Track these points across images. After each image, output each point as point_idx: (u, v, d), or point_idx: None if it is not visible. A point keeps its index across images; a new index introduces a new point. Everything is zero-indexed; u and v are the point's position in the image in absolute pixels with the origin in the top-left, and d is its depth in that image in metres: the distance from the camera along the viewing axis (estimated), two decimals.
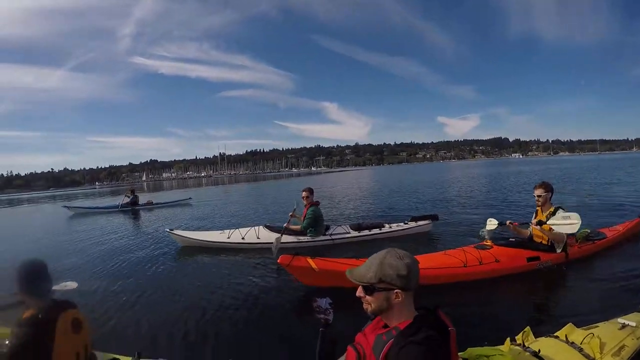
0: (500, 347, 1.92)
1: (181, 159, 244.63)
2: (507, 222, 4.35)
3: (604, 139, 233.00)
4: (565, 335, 1.97)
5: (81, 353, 1.72)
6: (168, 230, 6.91)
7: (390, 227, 6.46)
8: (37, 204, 32.65)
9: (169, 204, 16.79)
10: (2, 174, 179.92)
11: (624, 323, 2.12)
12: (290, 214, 6.21)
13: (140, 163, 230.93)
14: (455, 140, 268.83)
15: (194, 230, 7.92)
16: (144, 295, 4.34)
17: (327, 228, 6.27)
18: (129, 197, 15.96)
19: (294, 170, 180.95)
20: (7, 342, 1.58)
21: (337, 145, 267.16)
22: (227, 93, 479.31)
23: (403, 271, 1.26)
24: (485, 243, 4.28)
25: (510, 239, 4.20)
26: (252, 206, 15.24)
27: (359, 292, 1.34)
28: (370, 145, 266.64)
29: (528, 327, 2.04)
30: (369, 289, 1.30)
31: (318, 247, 5.97)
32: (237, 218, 10.96)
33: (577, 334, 1.97)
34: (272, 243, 5.52)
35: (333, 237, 6.15)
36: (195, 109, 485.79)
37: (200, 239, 6.56)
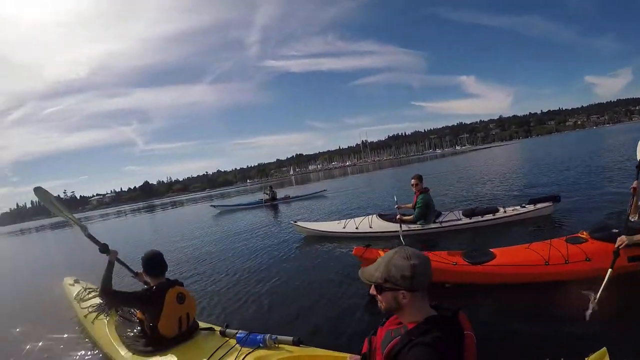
0: None
1: (325, 150, 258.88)
2: (636, 182, 3.22)
3: None
4: None
5: (183, 318, 2.52)
6: (292, 222, 7.86)
7: (505, 211, 5.86)
8: (195, 204, 37.62)
9: (305, 197, 18.46)
10: (163, 181, 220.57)
11: None
12: (396, 206, 6.29)
13: (287, 158, 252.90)
14: (607, 102, 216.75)
15: (317, 221, 8.70)
16: (258, 277, 5.26)
17: (438, 215, 6.10)
18: (267, 194, 18.11)
19: (438, 151, 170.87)
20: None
21: (480, 120, 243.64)
22: (359, 81, 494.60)
23: (407, 272, 1.23)
24: (580, 235, 3.53)
25: (614, 230, 3.18)
26: (387, 191, 15.60)
27: (372, 291, 1.35)
28: (514, 116, 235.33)
29: (605, 348, 1.63)
30: (379, 288, 1.31)
31: (428, 234, 5.92)
32: (365, 208, 11.13)
33: None
34: (384, 232, 6.24)
35: (443, 224, 5.95)
36: (331, 100, 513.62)
37: (319, 229, 7.24)
